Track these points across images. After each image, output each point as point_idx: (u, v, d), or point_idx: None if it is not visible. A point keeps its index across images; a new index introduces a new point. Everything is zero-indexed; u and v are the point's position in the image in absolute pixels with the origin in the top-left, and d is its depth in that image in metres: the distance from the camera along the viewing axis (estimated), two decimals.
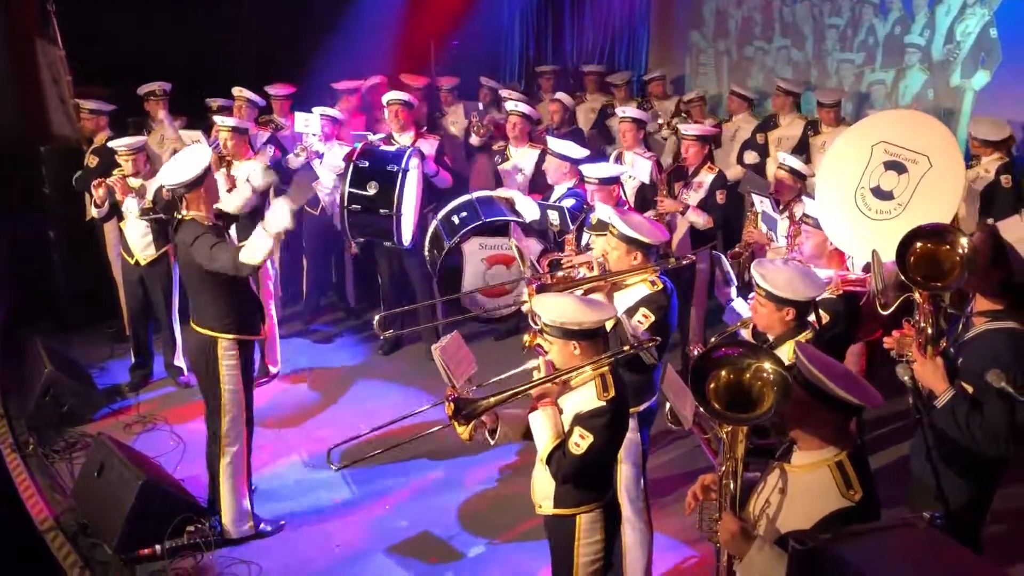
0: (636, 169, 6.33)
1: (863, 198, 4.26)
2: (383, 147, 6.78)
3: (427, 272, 6.83)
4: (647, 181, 6.38)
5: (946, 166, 4.10)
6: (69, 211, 7.20)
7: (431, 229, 6.60)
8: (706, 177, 6.34)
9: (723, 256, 4.63)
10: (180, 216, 4.62)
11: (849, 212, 4.30)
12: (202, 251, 4.46)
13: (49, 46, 7.51)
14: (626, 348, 3.42)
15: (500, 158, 7.22)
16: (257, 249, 4.36)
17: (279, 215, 4.32)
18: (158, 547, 4.68)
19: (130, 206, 6.15)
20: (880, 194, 4.22)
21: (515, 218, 6.29)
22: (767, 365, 2.61)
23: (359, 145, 6.64)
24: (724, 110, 9.31)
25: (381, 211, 6.39)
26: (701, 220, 6.24)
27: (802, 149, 7.44)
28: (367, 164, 6.44)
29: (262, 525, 4.96)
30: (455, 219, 6.43)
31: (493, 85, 9.07)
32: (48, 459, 5.59)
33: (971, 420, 3.23)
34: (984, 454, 3.31)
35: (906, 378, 3.30)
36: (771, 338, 3.62)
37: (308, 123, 6.92)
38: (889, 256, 3.76)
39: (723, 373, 2.65)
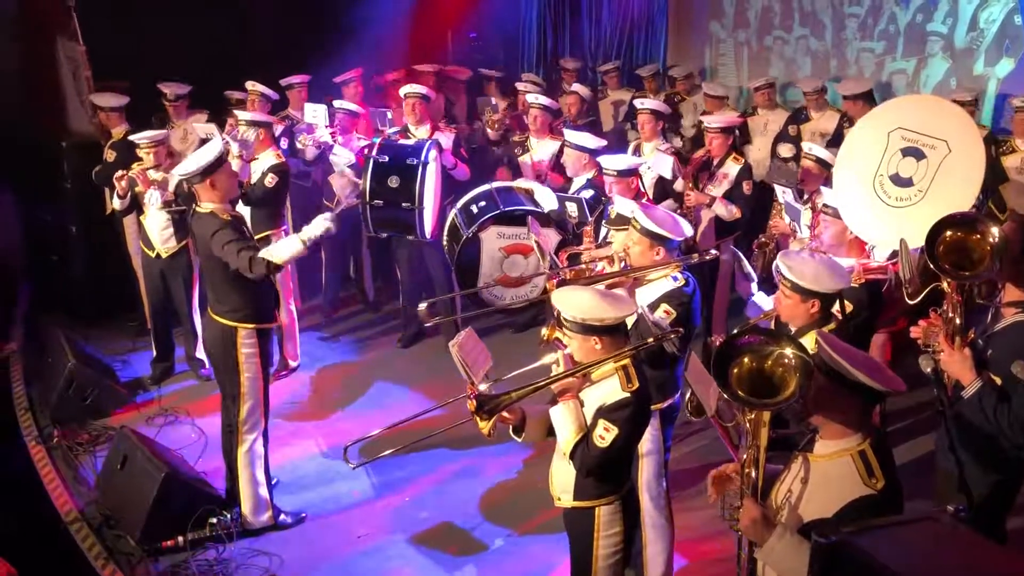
0: (657, 165, 6.30)
1: (882, 185, 4.22)
2: (401, 141, 6.78)
3: (447, 264, 6.84)
4: (668, 177, 6.35)
5: (965, 151, 4.06)
6: (90, 205, 7.25)
7: (449, 219, 6.61)
8: (732, 168, 6.30)
9: (740, 253, 4.61)
10: (196, 208, 4.66)
11: (868, 200, 4.27)
12: (218, 246, 4.52)
13: (69, 42, 7.57)
14: (649, 340, 3.41)
15: (520, 150, 7.21)
16: (285, 251, 4.52)
17: (316, 226, 4.56)
18: (180, 539, 4.71)
19: (151, 198, 6.18)
20: (899, 181, 4.19)
21: (534, 208, 6.29)
22: (788, 351, 2.61)
23: (377, 140, 6.65)
24: (743, 103, 9.26)
25: (403, 204, 6.39)
26: (728, 212, 6.20)
27: (838, 142, 7.36)
28: (387, 159, 6.44)
29: (282, 516, 4.99)
30: (474, 208, 6.44)
31: (491, 74, 9.11)
32: (72, 451, 5.65)
33: (999, 411, 3.20)
34: (1010, 445, 3.28)
35: (928, 369, 3.28)
36: (793, 329, 3.60)
37: (316, 114, 6.93)
38: (914, 244, 3.74)
39: (745, 360, 2.65)
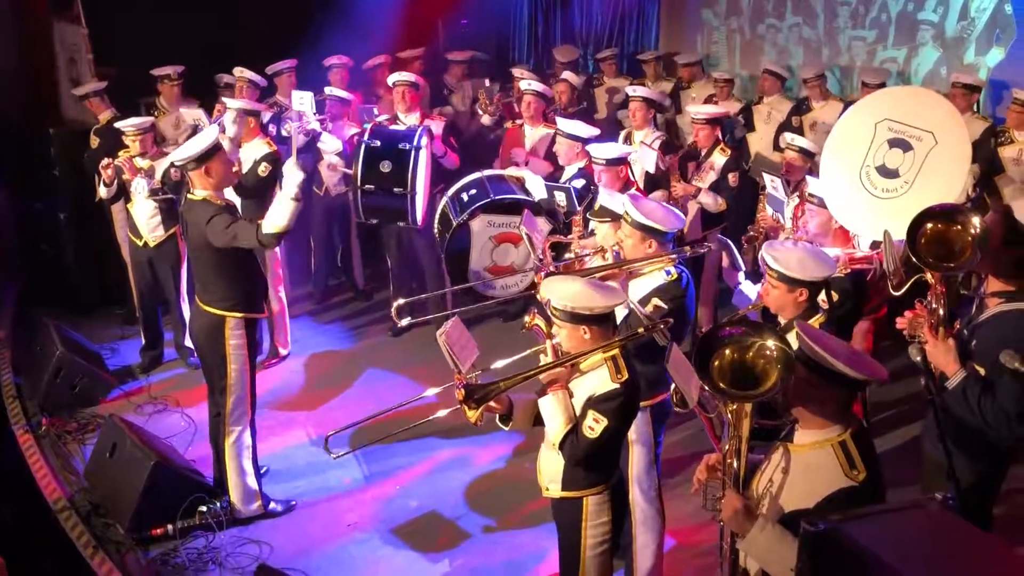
0: (642, 159, 6.29)
1: (868, 176, 4.24)
2: (392, 127, 6.75)
3: (436, 253, 6.82)
4: (652, 171, 6.33)
5: (951, 143, 4.07)
6: (79, 193, 7.20)
7: (440, 207, 6.59)
8: (718, 159, 6.29)
9: (730, 242, 4.61)
10: (189, 195, 4.62)
11: (855, 191, 4.28)
12: (218, 231, 4.46)
13: (70, 26, 7.51)
14: (640, 331, 3.41)
15: None
16: (280, 216, 4.42)
17: (292, 175, 4.48)
18: (170, 527, 4.71)
19: (138, 186, 6.14)
20: (885, 172, 4.20)
21: (525, 197, 6.28)
22: (770, 343, 2.61)
23: (368, 126, 6.61)
24: (740, 90, 9.23)
25: (395, 190, 6.35)
26: (713, 202, 6.19)
27: None
28: (378, 143, 6.40)
29: (272, 505, 5.00)
30: (464, 196, 6.42)
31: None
32: (60, 439, 5.63)
33: (982, 402, 3.22)
34: (995, 436, 3.30)
35: (918, 359, 3.29)
36: (782, 321, 3.60)
37: (303, 100, 6.90)
38: (899, 236, 3.75)
39: (727, 352, 2.65)
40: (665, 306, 3.94)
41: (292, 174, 4.51)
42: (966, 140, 4.11)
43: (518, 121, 7.31)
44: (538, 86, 7.14)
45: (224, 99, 6.81)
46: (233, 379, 4.73)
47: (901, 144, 4.16)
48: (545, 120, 7.17)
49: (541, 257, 4.56)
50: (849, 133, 4.36)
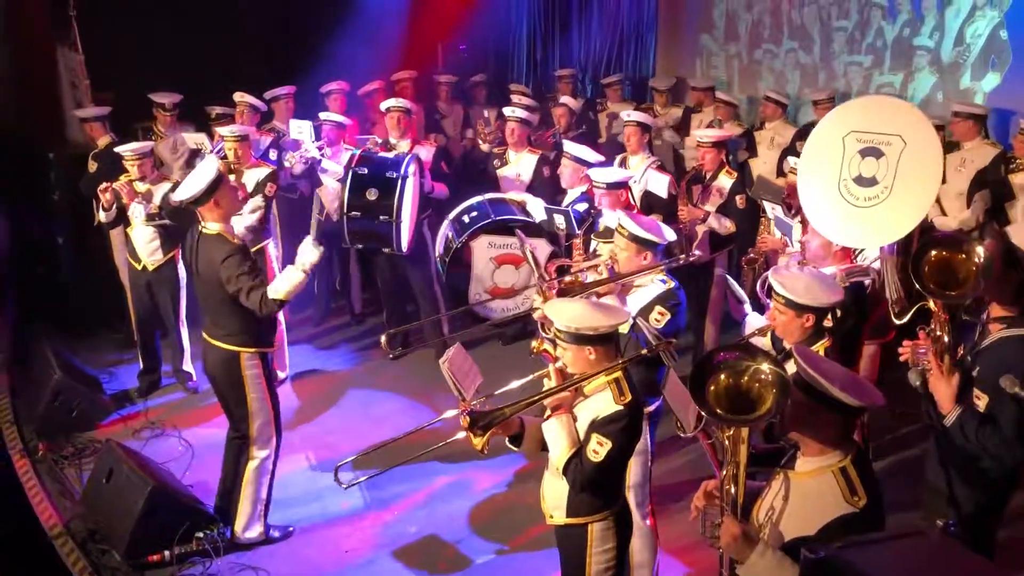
0: (653, 184, 6.30)
1: (848, 189, 4.28)
2: (381, 154, 6.76)
3: (428, 278, 6.82)
4: (664, 195, 6.34)
5: (920, 140, 4.12)
6: (77, 216, 7.20)
7: (442, 230, 6.60)
8: (725, 182, 6.31)
9: (729, 277, 4.65)
10: (203, 229, 4.57)
11: (837, 205, 4.32)
12: (231, 274, 4.44)
13: (70, 52, 7.56)
14: (644, 351, 3.41)
15: (499, 162, 7.20)
16: (287, 284, 4.46)
17: (308, 251, 4.54)
18: (167, 553, 4.68)
19: (136, 211, 6.15)
20: (863, 182, 4.25)
21: (526, 218, 6.30)
22: (765, 366, 2.60)
23: (357, 152, 6.63)
24: (745, 115, 9.25)
25: (380, 218, 6.35)
26: (721, 226, 6.20)
27: None
28: (366, 171, 6.41)
29: (271, 531, 4.96)
30: (465, 219, 6.44)
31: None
32: (57, 465, 5.60)
33: (981, 433, 3.23)
34: (996, 464, 3.29)
35: (917, 383, 3.29)
36: (788, 345, 3.60)
37: (301, 130, 6.92)
38: (891, 239, 3.80)
39: (722, 377, 2.64)
40: (669, 312, 4.02)
41: (308, 250, 4.56)
42: (934, 135, 4.16)
43: (501, 148, 7.36)
44: (522, 113, 7.16)
45: (216, 128, 6.83)
46: (255, 407, 4.71)
47: (872, 152, 4.22)
48: (529, 145, 7.21)
49: (545, 276, 4.58)
50: (819, 152, 4.42)
